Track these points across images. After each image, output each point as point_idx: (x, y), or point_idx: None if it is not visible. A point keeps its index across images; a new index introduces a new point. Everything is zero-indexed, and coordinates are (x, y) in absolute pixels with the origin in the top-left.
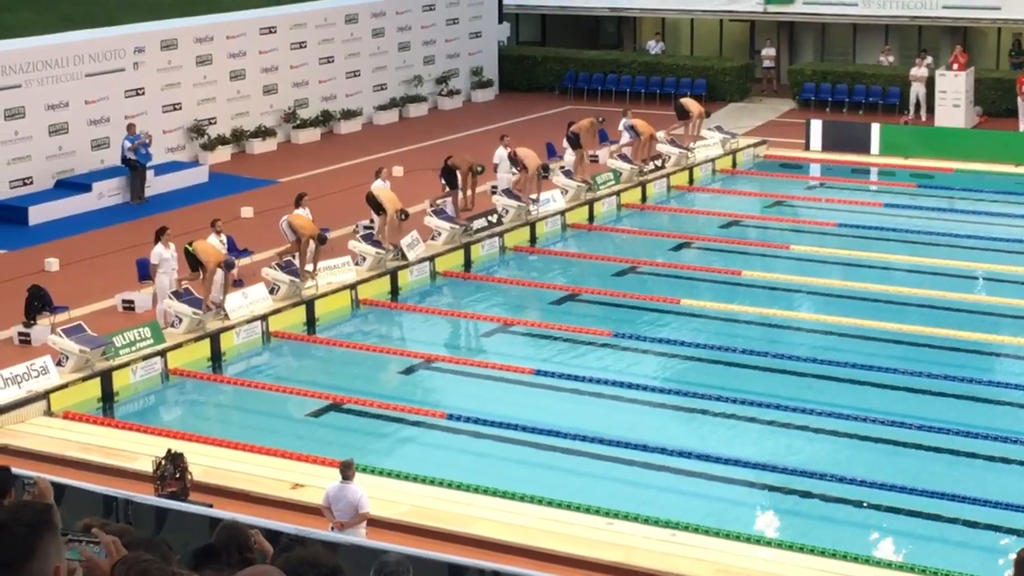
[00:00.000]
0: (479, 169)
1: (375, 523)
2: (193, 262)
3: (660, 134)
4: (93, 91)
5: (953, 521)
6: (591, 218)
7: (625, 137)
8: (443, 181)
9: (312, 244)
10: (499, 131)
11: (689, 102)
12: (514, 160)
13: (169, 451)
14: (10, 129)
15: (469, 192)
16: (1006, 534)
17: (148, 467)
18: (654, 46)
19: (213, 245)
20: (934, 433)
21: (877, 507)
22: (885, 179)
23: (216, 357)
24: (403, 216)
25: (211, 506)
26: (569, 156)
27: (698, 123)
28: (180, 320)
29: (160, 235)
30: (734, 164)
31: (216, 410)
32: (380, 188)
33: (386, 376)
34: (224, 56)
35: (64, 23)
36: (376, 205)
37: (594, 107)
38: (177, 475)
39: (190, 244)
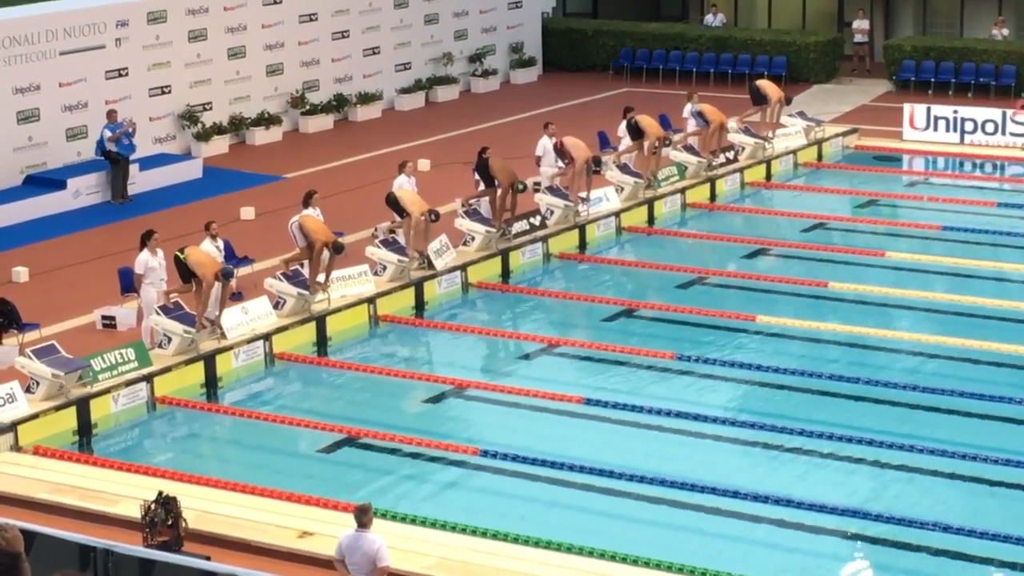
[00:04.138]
0: (521, 187)
1: None
2: (185, 272)
3: (732, 122)
4: (68, 72)
5: None
6: (651, 220)
7: (691, 125)
8: (477, 177)
9: (325, 252)
10: (543, 118)
11: (767, 85)
12: (560, 152)
13: (160, 494)
14: None
15: (507, 213)
16: None
17: (133, 512)
18: (712, 19)
19: (208, 252)
20: None
21: (990, 561)
22: (998, 174)
23: (211, 383)
24: (433, 217)
25: (208, 558)
26: (625, 148)
27: (777, 109)
28: (169, 339)
29: (146, 240)
30: (820, 156)
31: (211, 445)
32: (402, 187)
33: (409, 405)
34: (221, 31)
35: None
36: (398, 208)
37: (654, 89)
38: (169, 522)
39: (181, 251)
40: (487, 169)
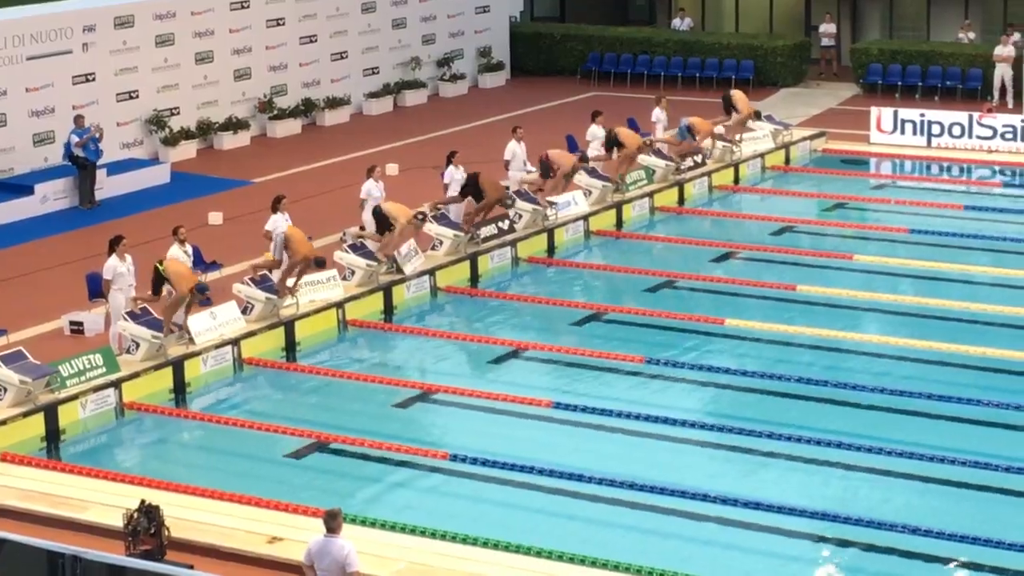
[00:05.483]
0: (510, 203)
1: None
2: (159, 282)
3: (719, 127)
4: (35, 77)
5: None
6: (619, 224)
7: (659, 129)
8: (446, 181)
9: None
10: (511, 122)
11: (739, 98)
12: (547, 166)
13: (143, 503)
14: None
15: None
16: None
17: (102, 518)
18: (680, 23)
19: (187, 266)
20: None
21: (959, 563)
22: (965, 177)
23: (179, 388)
24: (420, 217)
25: (191, 567)
26: (594, 152)
27: (745, 121)
28: (137, 345)
29: (115, 246)
30: (787, 160)
31: (179, 451)
32: (370, 193)
33: (378, 410)
34: (188, 35)
35: None
36: (386, 223)
37: (622, 93)
38: (152, 531)
39: (161, 263)
40: (476, 185)
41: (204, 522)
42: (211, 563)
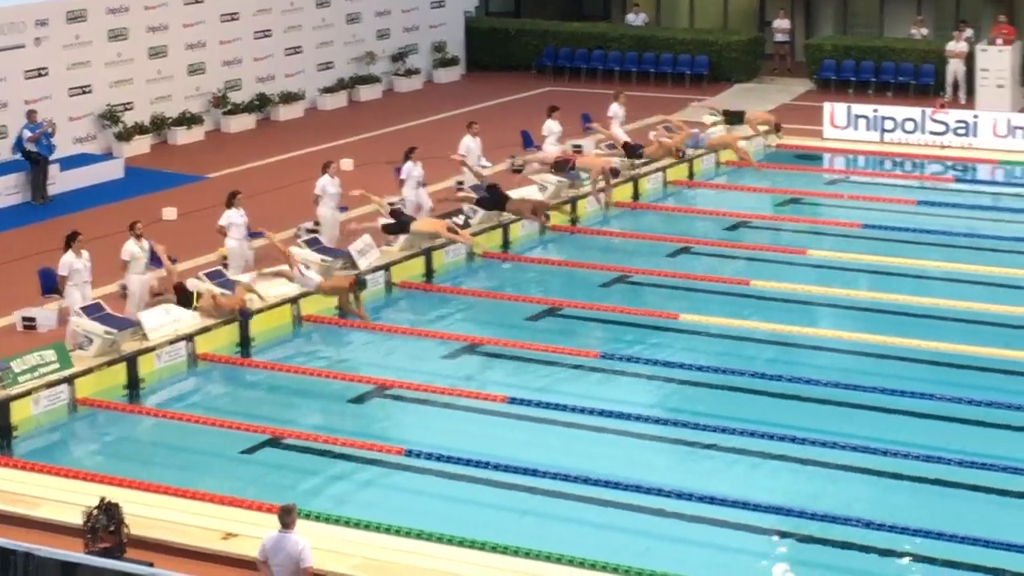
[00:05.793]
0: (546, 216)
1: None
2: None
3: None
4: None
5: (1005, 574)
6: (574, 219)
7: (616, 124)
8: (403, 177)
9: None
10: (466, 117)
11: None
12: (570, 167)
13: (103, 500)
14: None
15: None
16: None
17: (55, 515)
18: (634, 18)
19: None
20: (981, 470)
21: (912, 557)
22: (918, 172)
23: (133, 384)
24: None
25: (151, 565)
26: (551, 147)
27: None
28: (90, 341)
29: (71, 242)
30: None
31: (133, 447)
32: (325, 189)
33: (333, 406)
34: (142, 30)
35: None
36: (403, 229)
37: (577, 88)
38: (112, 528)
39: (214, 298)
40: (498, 201)
41: (158, 519)
42: (164, 559)
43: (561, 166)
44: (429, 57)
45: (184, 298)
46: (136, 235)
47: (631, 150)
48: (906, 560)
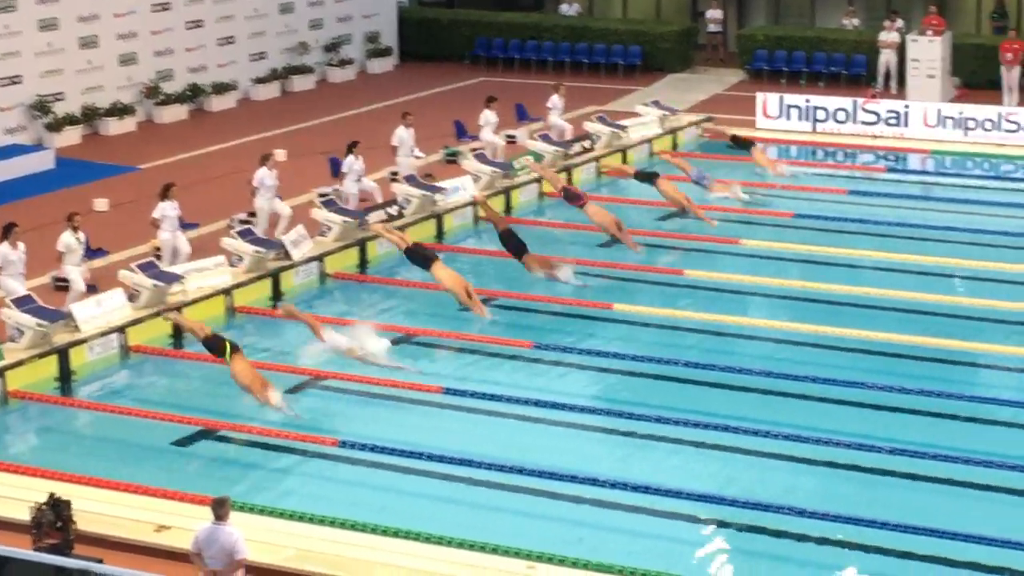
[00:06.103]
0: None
1: (254, 571)
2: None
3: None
4: None
5: (935, 560)
6: (508, 210)
7: (554, 115)
8: (344, 170)
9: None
10: (400, 107)
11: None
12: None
13: (51, 496)
14: None
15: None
16: (994, 575)
17: None
18: (568, 8)
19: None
20: (911, 458)
21: (846, 545)
22: (849, 162)
23: (65, 377)
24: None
25: (101, 560)
26: (488, 136)
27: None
28: (21, 333)
29: (8, 233)
30: (675, 145)
31: (64, 438)
32: (263, 182)
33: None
34: (72, 20)
35: None
36: (424, 263)
37: (510, 79)
38: (59, 524)
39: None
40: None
41: (89, 511)
42: (95, 551)
43: (572, 198)
44: (362, 47)
45: (216, 345)
46: (73, 227)
47: (644, 177)
48: (841, 548)
